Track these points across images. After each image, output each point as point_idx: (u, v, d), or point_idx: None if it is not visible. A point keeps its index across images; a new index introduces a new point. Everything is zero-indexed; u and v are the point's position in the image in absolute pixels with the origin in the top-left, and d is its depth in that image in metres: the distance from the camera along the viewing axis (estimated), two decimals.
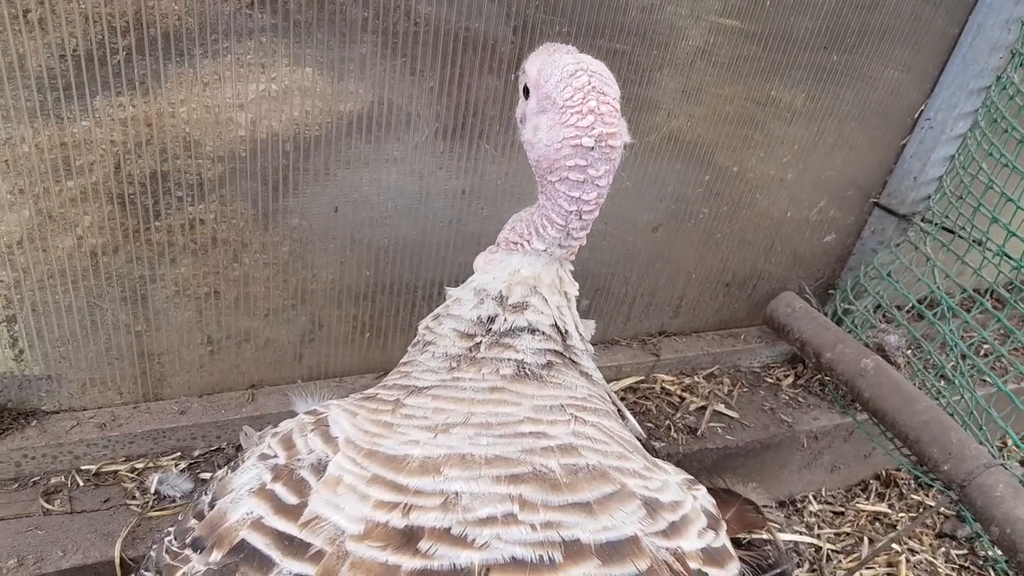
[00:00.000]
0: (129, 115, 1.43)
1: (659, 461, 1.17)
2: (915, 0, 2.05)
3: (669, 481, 1.07)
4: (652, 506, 0.98)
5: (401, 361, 1.29)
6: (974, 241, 2.11)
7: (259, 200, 1.62)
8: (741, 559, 1.87)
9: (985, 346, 2.25)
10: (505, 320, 1.17)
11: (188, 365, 1.74)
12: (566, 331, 1.21)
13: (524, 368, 1.14)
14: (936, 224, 2.25)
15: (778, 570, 1.98)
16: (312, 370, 1.89)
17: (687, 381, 2.24)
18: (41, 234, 1.46)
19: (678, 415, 2.12)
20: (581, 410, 1.11)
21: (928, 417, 1.89)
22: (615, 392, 2.12)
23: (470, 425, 1.03)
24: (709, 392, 2.22)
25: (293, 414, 1.75)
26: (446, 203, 1.80)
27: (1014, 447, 2.38)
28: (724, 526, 1.14)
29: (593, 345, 2.19)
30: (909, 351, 2.24)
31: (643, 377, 2.21)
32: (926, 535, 2.35)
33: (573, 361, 1.22)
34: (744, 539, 2.02)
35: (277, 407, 1.81)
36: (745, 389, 2.30)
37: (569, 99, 1.09)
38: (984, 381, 2.19)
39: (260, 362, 1.82)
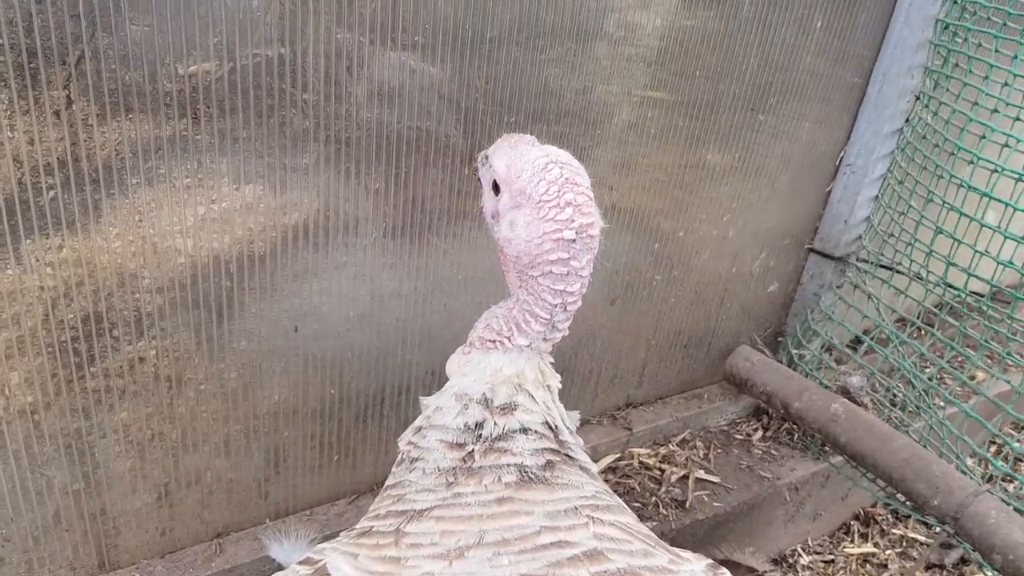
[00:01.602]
0: (60, 258, 1.30)
1: (679, 550, 1.12)
2: (825, 59, 2.17)
3: (696, 571, 1.03)
4: None
5: (387, 484, 1.20)
6: (914, 274, 2.19)
7: (204, 328, 1.50)
8: None
9: (934, 366, 2.31)
10: (495, 424, 1.12)
11: (143, 521, 1.57)
12: (556, 427, 1.16)
13: (527, 472, 1.08)
14: (872, 263, 2.33)
15: None
16: (280, 506, 1.75)
17: (663, 451, 2.20)
18: None
19: (662, 489, 2.07)
20: (595, 509, 1.06)
21: (908, 454, 1.92)
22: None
23: (485, 545, 0.95)
24: (687, 459, 2.19)
25: (268, 561, 1.63)
26: (401, 303, 1.73)
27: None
28: None
29: None
30: (872, 389, 2.28)
31: (620, 454, 2.16)
32: (917, 571, 2.37)
33: (570, 457, 1.17)
34: None
35: (249, 555, 1.65)
36: (719, 450, 2.28)
37: (545, 193, 1.07)
38: (933, 406, 2.25)
39: (223, 506, 1.66)
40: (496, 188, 1.17)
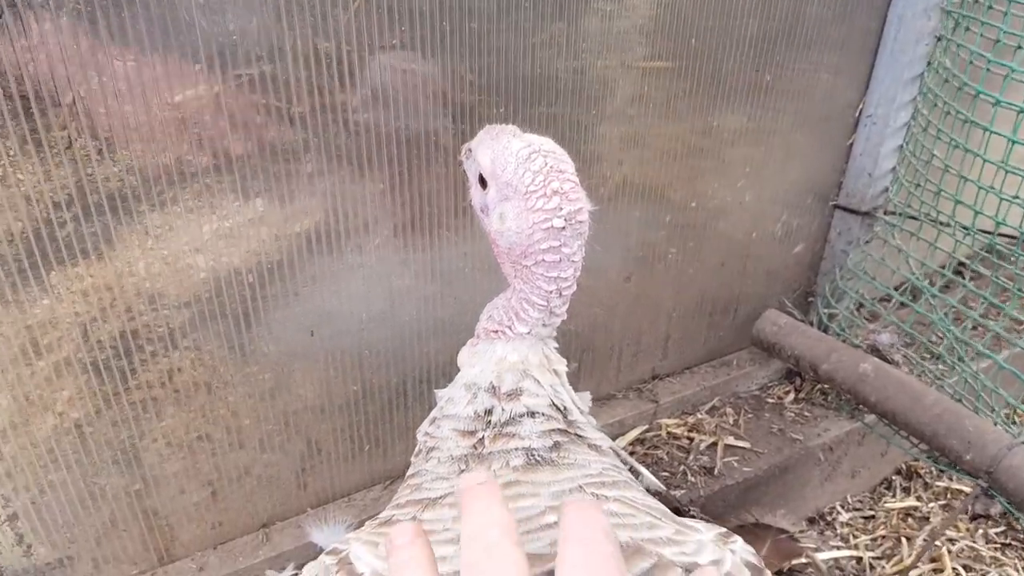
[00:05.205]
0: (87, 285, 1.41)
1: (688, 520, 1.14)
2: (833, 6, 2.09)
3: (703, 540, 1.04)
4: (693, 572, 0.96)
5: (407, 474, 1.26)
6: (941, 224, 2.12)
7: (231, 336, 1.60)
8: None
9: (977, 318, 2.24)
10: (503, 410, 1.16)
11: (195, 517, 1.70)
12: (565, 408, 1.19)
13: (533, 455, 1.12)
14: (900, 215, 2.27)
15: None
16: (319, 495, 1.86)
17: (691, 420, 2.22)
18: (23, 420, 1.43)
19: (691, 458, 2.09)
20: (600, 486, 1.09)
21: (940, 409, 1.88)
22: (623, 448, 2.10)
23: None
24: (716, 426, 2.20)
25: (311, 545, 1.74)
26: (415, 296, 1.79)
27: (1022, 413, 2.38)
28: (768, 574, 1.11)
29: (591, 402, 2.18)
30: (904, 345, 2.24)
31: (647, 426, 2.19)
32: (961, 520, 2.34)
33: (579, 436, 1.20)
34: (785, 568, 2.00)
35: (293, 542, 1.77)
36: (750, 415, 2.28)
37: (531, 183, 1.08)
38: (977, 355, 2.19)
39: (267, 498, 1.78)
40: (483, 182, 1.19)
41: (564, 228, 1.08)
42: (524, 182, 1.09)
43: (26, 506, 1.49)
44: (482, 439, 1.14)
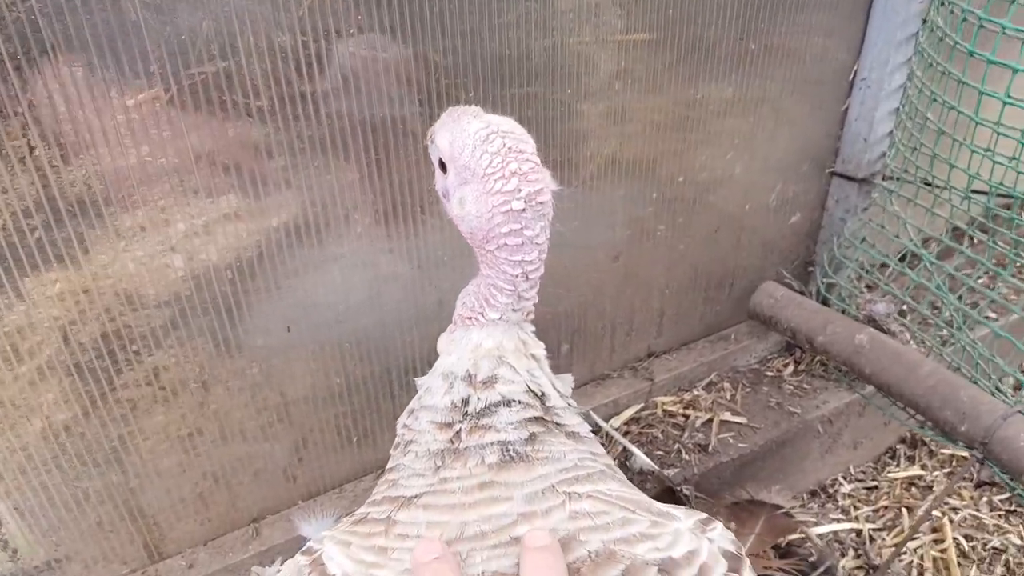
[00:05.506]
0: (62, 289, 1.40)
1: (667, 507, 1.12)
2: None
3: (680, 529, 1.02)
4: (667, 568, 0.94)
5: (387, 467, 1.25)
6: (938, 188, 2.06)
7: (213, 333, 1.59)
8: (783, 570, 1.84)
9: (974, 285, 2.18)
10: (479, 399, 1.13)
11: (185, 513, 1.71)
12: (543, 393, 1.17)
13: (508, 450, 1.09)
14: (898, 180, 2.20)
15: (822, 568, 1.94)
16: (309, 487, 1.86)
17: (687, 397, 2.19)
18: (6, 425, 1.44)
19: (685, 435, 2.07)
20: (573, 482, 1.07)
21: (935, 380, 1.84)
22: (616, 429, 2.08)
23: (465, 539, 0.98)
24: (712, 403, 2.17)
25: (301, 539, 1.75)
26: (398, 284, 1.77)
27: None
28: (747, 562, 1.09)
29: (584, 383, 2.16)
30: (902, 315, 2.18)
31: (643, 404, 2.16)
32: (965, 488, 2.30)
33: (557, 424, 1.17)
34: (782, 543, 1.99)
35: (283, 536, 1.78)
36: (748, 389, 2.25)
37: (488, 166, 1.04)
38: (975, 323, 2.13)
39: (256, 493, 1.79)
40: (443, 166, 1.16)
41: (524, 210, 1.04)
42: (482, 164, 1.04)
43: (10, 512, 1.50)
44: (459, 432, 1.12)
